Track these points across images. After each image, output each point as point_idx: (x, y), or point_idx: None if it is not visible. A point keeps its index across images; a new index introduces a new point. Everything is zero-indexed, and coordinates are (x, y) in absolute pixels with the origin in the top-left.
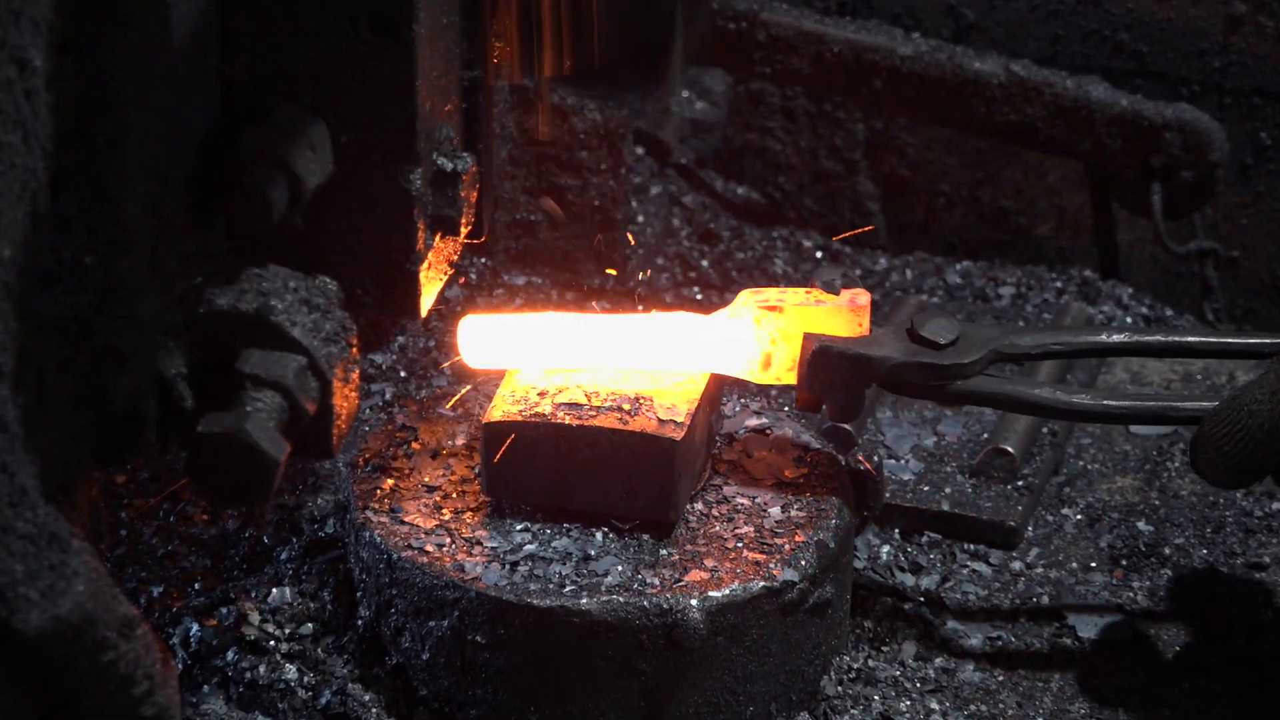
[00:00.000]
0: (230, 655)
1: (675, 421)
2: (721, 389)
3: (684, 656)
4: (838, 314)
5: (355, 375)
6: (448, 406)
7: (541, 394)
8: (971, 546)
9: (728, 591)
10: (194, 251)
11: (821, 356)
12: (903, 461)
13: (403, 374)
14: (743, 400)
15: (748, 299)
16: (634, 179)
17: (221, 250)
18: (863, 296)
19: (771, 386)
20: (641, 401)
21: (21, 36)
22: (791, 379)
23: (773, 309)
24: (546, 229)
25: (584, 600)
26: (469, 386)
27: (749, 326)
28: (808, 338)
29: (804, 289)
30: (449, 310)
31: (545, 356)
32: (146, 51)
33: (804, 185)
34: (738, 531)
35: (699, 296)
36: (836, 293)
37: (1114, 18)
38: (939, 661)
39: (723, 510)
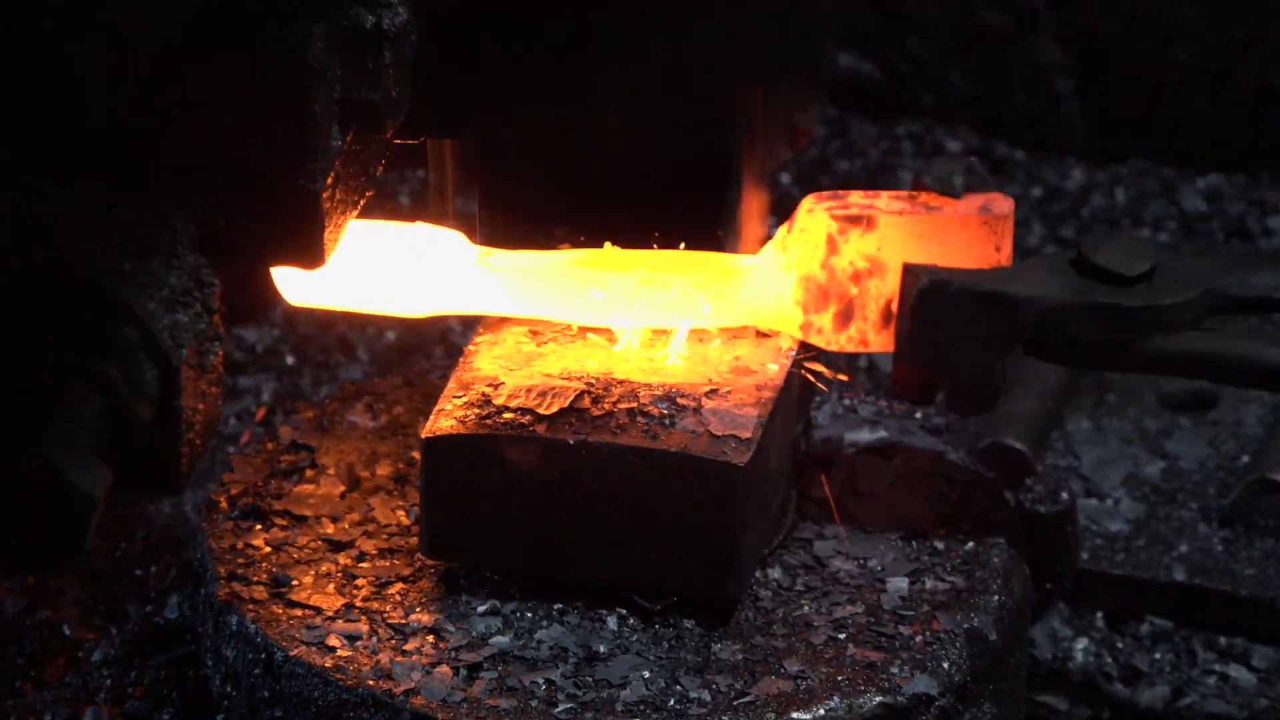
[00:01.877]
0: None
1: (738, 437)
2: (810, 382)
3: None
4: (961, 229)
5: (217, 361)
6: (361, 412)
7: (519, 386)
8: (1223, 640)
9: (823, 713)
10: None
11: (934, 297)
12: (1111, 501)
13: (290, 360)
14: (846, 400)
15: (814, 206)
16: None
17: None
18: (1001, 202)
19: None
20: (683, 399)
21: None
22: (884, 342)
23: (855, 221)
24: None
25: None
26: (405, 373)
27: (815, 252)
28: (910, 270)
29: (908, 192)
30: None
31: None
32: None
33: (948, 51)
34: (838, 615)
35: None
36: (958, 195)
37: None
38: None
39: (814, 580)
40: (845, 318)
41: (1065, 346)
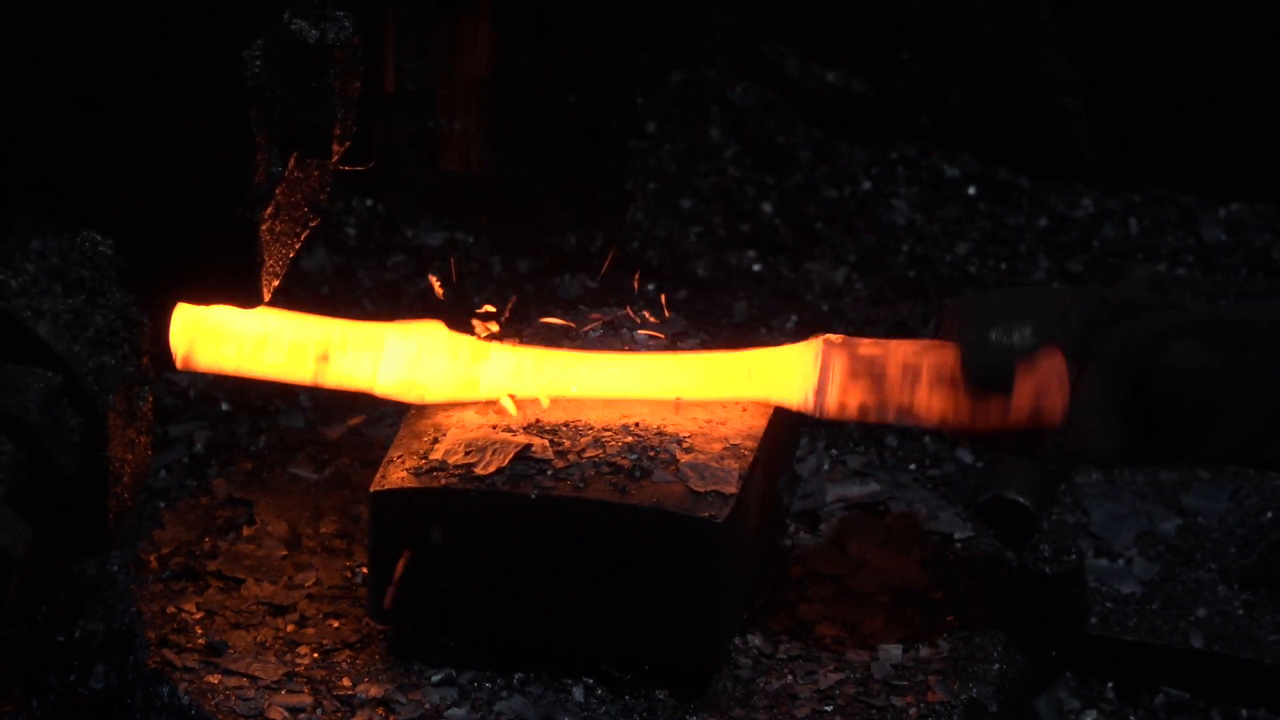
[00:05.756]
0: None
1: (717, 491)
2: (794, 429)
3: None
4: (1008, 421)
5: (146, 407)
6: (304, 464)
7: (479, 436)
8: (1245, 712)
9: None
10: None
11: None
12: (1123, 561)
13: (226, 407)
14: (832, 451)
15: (843, 377)
16: (639, 56)
17: None
18: (1056, 390)
19: (887, 427)
20: (656, 450)
21: None
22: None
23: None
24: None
25: None
26: (350, 422)
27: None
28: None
29: (945, 358)
30: (308, 294)
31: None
32: None
33: (947, 65)
34: (825, 685)
35: (757, 266)
36: (1009, 390)
37: None
38: None
39: (798, 647)
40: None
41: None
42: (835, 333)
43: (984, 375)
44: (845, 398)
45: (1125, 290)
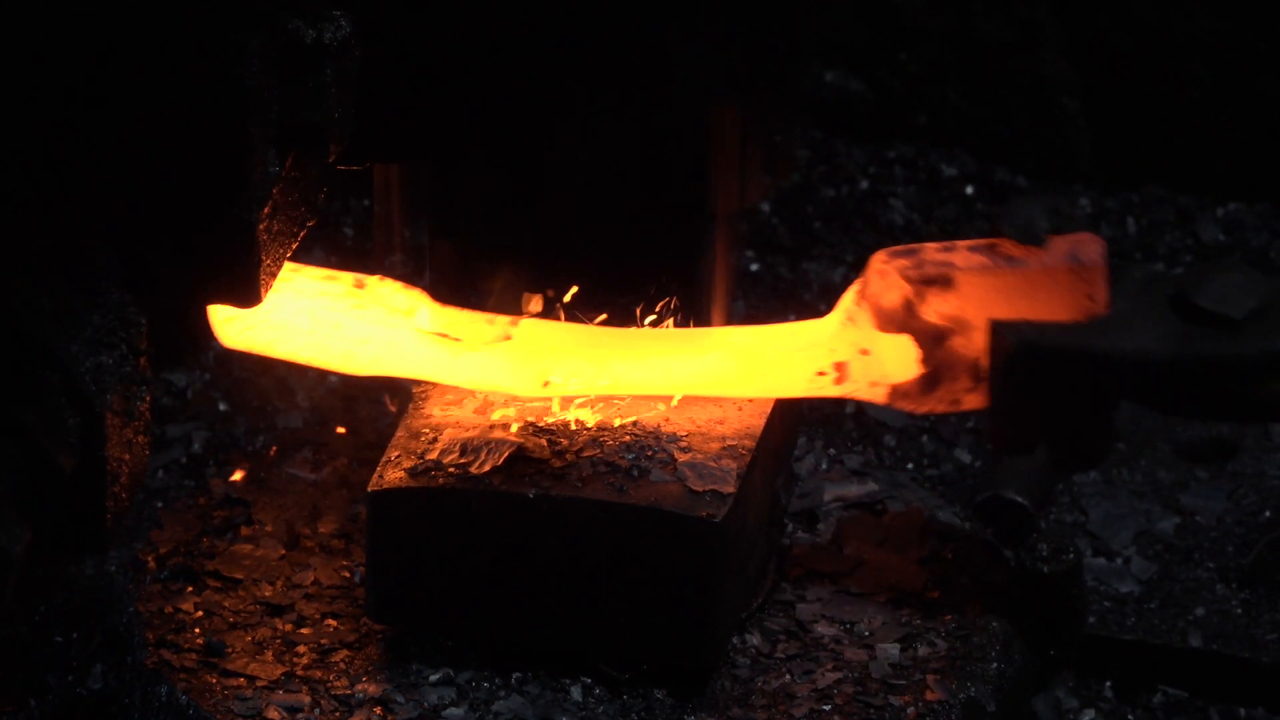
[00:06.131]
0: None
1: (715, 491)
2: (792, 428)
3: None
4: (1049, 281)
5: (143, 407)
6: (302, 464)
7: (474, 436)
8: (1243, 712)
9: None
10: None
11: (1025, 360)
12: (1120, 560)
13: (224, 407)
14: (830, 451)
15: (885, 266)
16: None
17: None
18: (1090, 247)
19: (885, 424)
20: (654, 450)
21: None
22: (977, 401)
23: (931, 281)
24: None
25: None
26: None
27: (894, 315)
28: (998, 329)
29: (984, 241)
30: None
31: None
32: None
33: (945, 65)
34: (823, 684)
35: (755, 266)
36: (1042, 242)
37: None
38: None
39: (796, 646)
40: (932, 381)
41: (1174, 399)
42: None
43: (1020, 225)
44: (885, 286)
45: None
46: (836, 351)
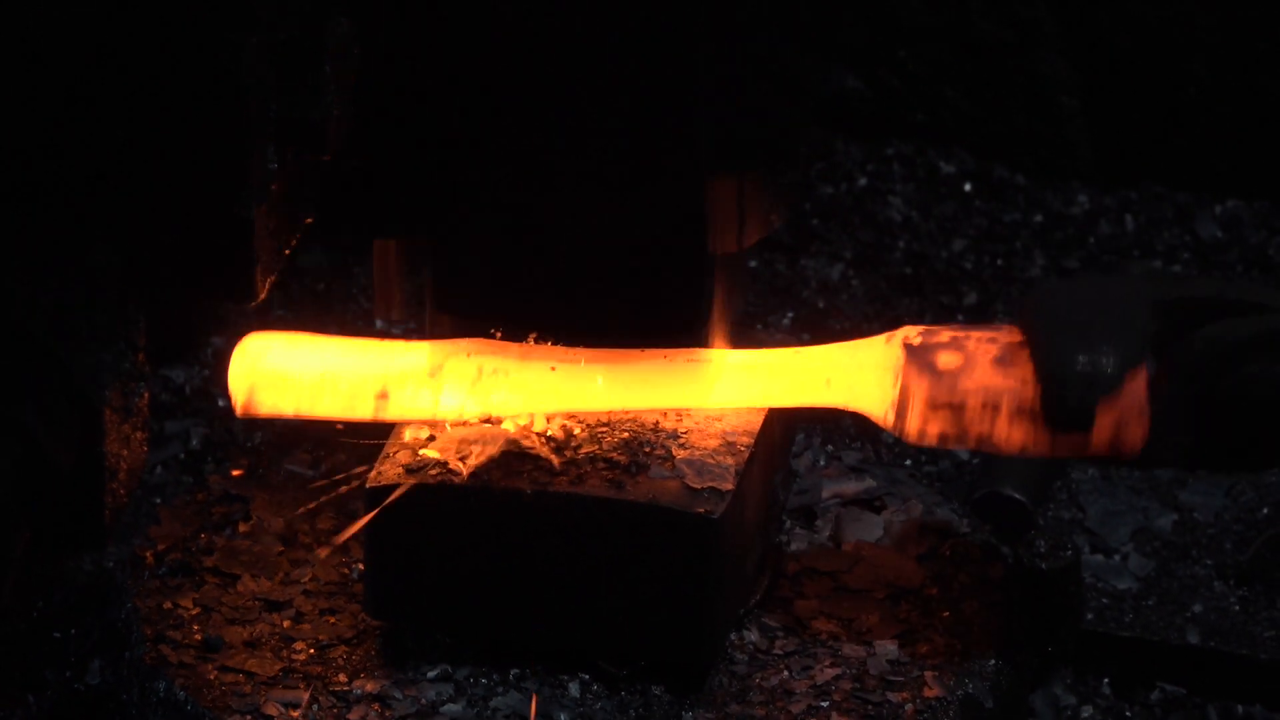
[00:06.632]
0: None
1: (714, 488)
2: (790, 424)
3: None
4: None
5: (141, 403)
6: (300, 460)
7: (471, 434)
8: (1241, 709)
9: None
10: None
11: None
12: (1118, 557)
13: (222, 403)
14: (828, 448)
15: (923, 396)
16: None
17: None
18: (1135, 422)
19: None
20: (652, 446)
21: None
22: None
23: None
24: None
25: None
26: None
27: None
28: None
29: (1025, 390)
30: (305, 291)
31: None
32: None
33: (943, 64)
34: (821, 681)
35: (753, 262)
36: (1089, 426)
37: None
38: None
39: (794, 643)
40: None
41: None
42: (833, 330)
43: (1066, 417)
44: (925, 426)
45: (1191, 284)
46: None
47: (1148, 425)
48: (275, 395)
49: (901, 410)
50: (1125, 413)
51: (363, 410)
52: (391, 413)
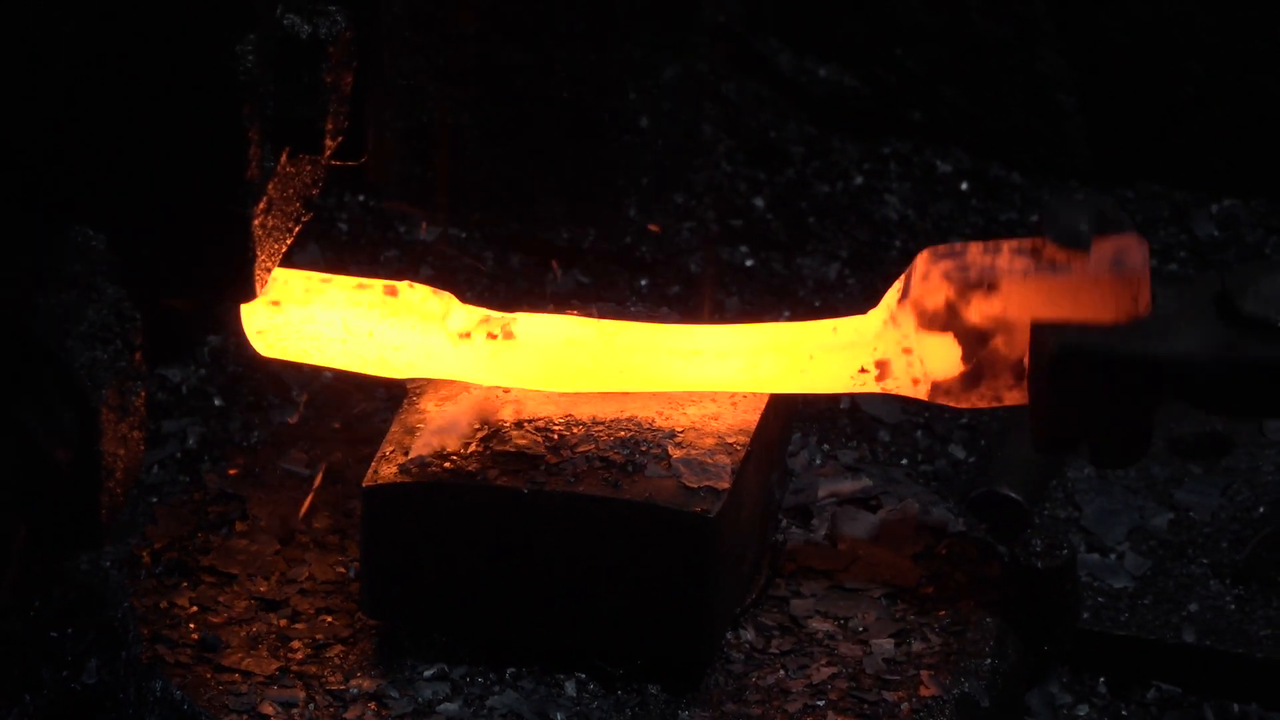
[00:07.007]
0: None
1: (710, 487)
2: (786, 423)
3: None
4: (1093, 287)
5: (138, 402)
6: (296, 459)
7: (468, 431)
8: (1237, 707)
9: None
10: None
11: (1067, 364)
12: (1114, 556)
13: (219, 402)
14: (825, 446)
15: (929, 269)
16: (632, 51)
17: None
18: (1135, 251)
19: (879, 420)
20: (648, 445)
21: None
22: (1019, 398)
23: (976, 283)
24: (479, 141)
25: None
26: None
27: (937, 315)
28: (1039, 332)
29: (1028, 241)
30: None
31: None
32: None
33: (941, 63)
34: (817, 680)
35: (750, 262)
36: (1086, 247)
37: None
38: None
39: (790, 642)
40: (974, 378)
41: (1217, 403)
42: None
43: (1063, 236)
44: (929, 293)
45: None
46: (879, 349)
47: (1149, 277)
48: (288, 329)
49: (906, 287)
50: (1125, 243)
51: (370, 311)
52: (401, 312)
